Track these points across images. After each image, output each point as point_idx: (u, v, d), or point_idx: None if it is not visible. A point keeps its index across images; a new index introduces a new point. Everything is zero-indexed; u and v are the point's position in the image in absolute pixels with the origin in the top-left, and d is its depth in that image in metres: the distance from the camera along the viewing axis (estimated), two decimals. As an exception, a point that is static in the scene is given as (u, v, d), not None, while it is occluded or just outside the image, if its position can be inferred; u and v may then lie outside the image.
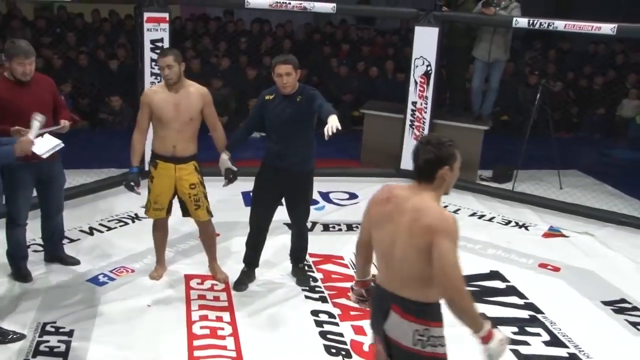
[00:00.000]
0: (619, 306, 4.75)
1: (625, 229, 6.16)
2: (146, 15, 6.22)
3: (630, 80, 9.80)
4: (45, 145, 3.88)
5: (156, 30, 6.27)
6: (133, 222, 5.60)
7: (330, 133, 3.84)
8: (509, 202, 6.77)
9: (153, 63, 6.28)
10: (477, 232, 5.91)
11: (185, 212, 4.58)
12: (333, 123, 3.86)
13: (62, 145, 3.98)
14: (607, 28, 6.05)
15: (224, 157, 4.50)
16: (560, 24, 6.33)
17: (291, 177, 4.44)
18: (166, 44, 6.26)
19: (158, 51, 4.44)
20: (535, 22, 6.39)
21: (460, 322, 2.54)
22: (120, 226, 5.58)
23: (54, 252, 4.81)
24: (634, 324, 4.51)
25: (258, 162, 4.64)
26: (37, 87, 4.26)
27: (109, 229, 5.53)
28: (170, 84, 4.31)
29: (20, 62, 4.09)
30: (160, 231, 4.65)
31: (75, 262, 4.82)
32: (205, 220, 4.56)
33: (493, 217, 6.36)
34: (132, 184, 4.41)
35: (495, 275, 5.11)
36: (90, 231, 5.46)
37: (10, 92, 4.11)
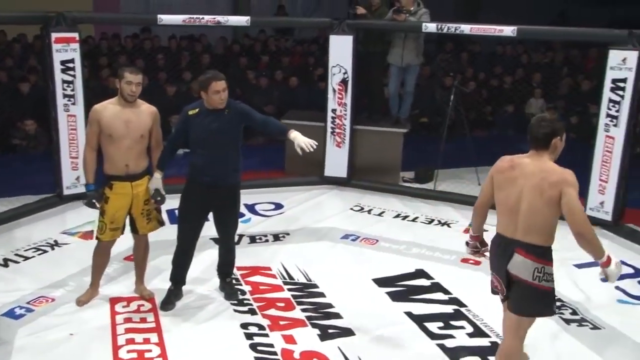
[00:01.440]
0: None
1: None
2: (54, 35, 6.04)
3: (535, 79, 10.24)
4: None
5: (66, 50, 6.09)
6: (52, 249, 5.40)
7: (309, 150, 4.10)
8: (431, 201, 6.89)
9: (65, 84, 6.12)
10: (402, 233, 6.00)
11: (133, 229, 4.53)
12: (306, 141, 4.13)
13: None
14: (509, 30, 6.30)
15: (157, 176, 4.43)
16: (466, 28, 6.55)
17: (219, 192, 4.39)
18: (77, 65, 6.10)
19: (128, 68, 4.33)
20: (443, 26, 6.58)
21: (586, 251, 3.25)
22: (39, 254, 5.34)
23: None
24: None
25: (182, 179, 4.56)
26: None
27: (26, 258, 5.27)
28: (131, 101, 4.26)
29: None
30: (105, 254, 4.55)
31: None
32: (146, 233, 4.55)
33: (416, 217, 6.46)
34: (93, 201, 4.32)
35: (420, 273, 5.19)
36: (5, 262, 5.18)
37: None
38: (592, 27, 6.92)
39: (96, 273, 4.59)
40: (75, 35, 6.15)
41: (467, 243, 3.80)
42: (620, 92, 5.84)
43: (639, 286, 5.06)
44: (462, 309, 4.62)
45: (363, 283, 4.98)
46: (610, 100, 5.90)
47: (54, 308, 4.50)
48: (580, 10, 14.95)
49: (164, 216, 5.92)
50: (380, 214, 6.53)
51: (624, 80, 5.81)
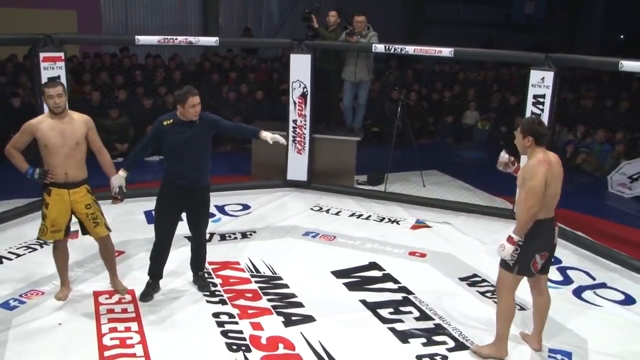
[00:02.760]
0: (472, 280, 5.02)
1: (474, 216, 6.51)
2: (42, 55, 5.91)
3: (470, 94, 10.45)
4: None
5: (52, 68, 5.95)
6: (42, 247, 5.27)
7: (281, 142, 4.38)
8: (382, 201, 6.94)
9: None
10: (356, 230, 6.04)
11: (84, 231, 4.40)
12: (278, 138, 4.36)
13: None
14: (447, 51, 6.41)
15: (122, 174, 4.35)
16: (410, 48, 6.64)
17: (191, 194, 4.38)
18: (63, 81, 5.92)
19: (47, 83, 4.22)
20: (390, 47, 6.66)
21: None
22: (29, 252, 5.24)
23: None
24: (482, 293, 4.80)
25: (157, 183, 4.53)
26: None
27: (18, 255, 5.18)
28: (58, 112, 4.14)
29: None
30: (61, 253, 4.42)
31: None
32: (105, 235, 4.40)
33: (369, 216, 6.51)
34: (42, 176, 4.14)
35: (373, 265, 5.24)
36: (0, 259, 5.10)
37: None
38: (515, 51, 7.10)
39: (61, 271, 4.48)
40: (61, 54, 6.02)
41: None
42: (540, 106, 6.01)
43: (557, 272, 5.21)
44: (410, 296, 4.69)
45: (322, 275, 5.01)
46: (533, 113, 6.04)
47: (44, 300, 4.43)
48: (505, 36, 15.50)
49: (143, 217, 5.99)
50: (337, 213, 6.56)
51: (543, 96, 5.98)
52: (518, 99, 9.60)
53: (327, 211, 6.62)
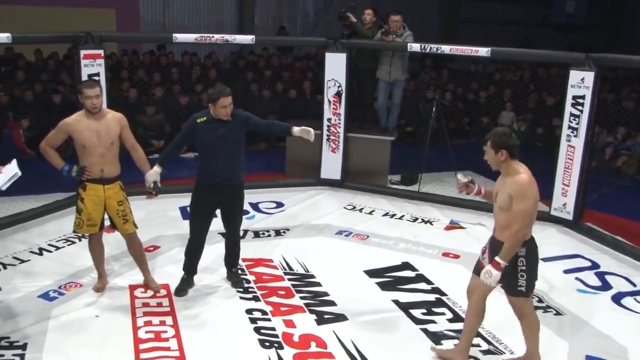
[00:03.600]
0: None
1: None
2: (82, 52, 6.04)
3: (505, 95, 10.28)
4: (3, 177, 3.65)
5: (92, 65, 6.09)
6: (80, 240, 5.39)
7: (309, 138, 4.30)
8: (415, 201, 6.90)
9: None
10: (389, 230, 6.01)
11: (114, 226, 4.48)
12: (308, 132, 4.30)
13: (20, 174, 3.70)
14: (483, 51, 6.33)
15: (157, 169, 4.40)
16: (446, 48, 6.58)
17: (225, 192, 4.41)
18: (102, 78, 6.09)
19: (85, 83, 4.28)
20: (426, 46, 6.61)
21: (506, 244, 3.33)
22: (68, 245, 5.37)
23: None
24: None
25: (192, 180, 4.58)
26: None
27: (58, 248, 5.32)
28: (95, 112, 4.21)
29: None
30: (96, 246, 4.52)
31: None
32: (132, 232, 4.46)
33: (403, 216, 6.47)
34: (79, 172, 4.19)
35: (406, 266, 5.21)
36: (40, 251, 5.24)
37: None
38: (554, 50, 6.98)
39: (97, 262, 4.57)
40: (101, 52, 6.15)
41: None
42: (580, 107, 5.89)
43: (595, 277, 5.11)
44: (443, 298, 4.65)
45: (355, 274, 5.01)
46: (571, 114, 5.94)
47: (82, 292, 4.54)
48: (542, 36, 15.17)
49: (177, 213, 6.07)
50: (370, 213, 6.55)
51: (582, 97, 5.86)
52: (556, 100, 9.41)
53: (361, 210, 6.60)
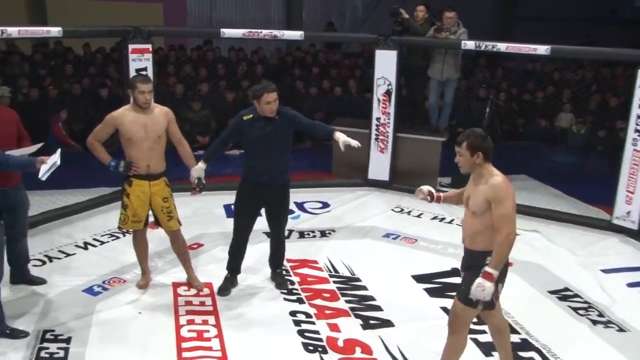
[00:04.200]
0: (563, 294, 4.80)
1: (566, 226, 6.23)
2: (131, 46, 6.17)
3: (565, 95, 10.00)
4: (45, 167, 3.73)
5: (140, 60, 6.21)
6: (124, 235, 5.51)
7: (355, 146, 4.14)
8: (465, 205, 6.80)
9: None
10: (439, 234, 5.94)
11: (157, 223, 4.53)
12: (349, 141, 4.14)
13: (59, 164, 3.76)
14: (542, 49, 6.17)
15: (202, 166, 4.43)
16: (502, 46, 6.43)
17: (270, 190, 4.42)
18: (150, 73, 6.19)
19: (139, 78, 4.30)
20: (481, 44, 6.49)
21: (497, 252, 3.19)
22: (112, 240, 5.50)
23: (21, 274, 4.57)
24: (575, 309, 4.57)
25: (237, 177, 4.61)
26: (1, 119, 4.16)
27: (102, 242, 5.45)
28: (146, 108, 4.27)
29: None
30: (140, 243, 4.58)
31: (42, 281, 4.63)
32: (176, 229, 4.51)
33: (452, 220, 6.37)
34: (127, 167, 4.26)
35: (455, 272, 5.03)
36: (85, 245, 5.38)
37: None
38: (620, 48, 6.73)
39: (141, 259, 4.64)
40: (149, 46, 6.27)
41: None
42: (649, 109, 5.67)
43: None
44: (495, 306, 4.54)
45: (402, 279, 4.96)
46: (638, 117, 5.72)
47: (126, 288, 4.63)
48: (605, 32, 14.60)
49: (222, 211, 6.12)
50: (419, 216, 6.48)
51: (651, 97, 5.64)
52: (620, 101, 9.10)
53: (409, 213, 6.54)
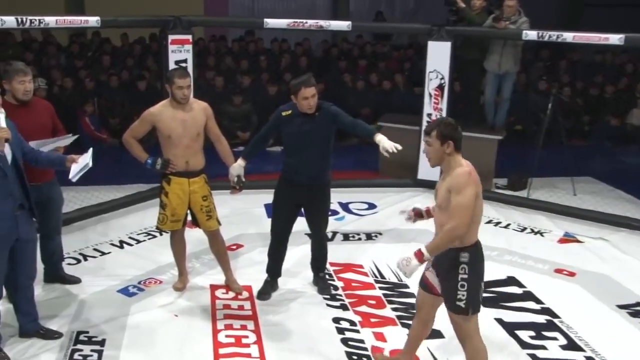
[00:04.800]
0: (635, 309, 4.64)
1: (638, 234, 6.04)
2: (170, 37, 6.27)
3: (639, 90, 9.65)
4: (76, 167, 3.80)
5: (180, 51, 6.31)
6: (161, 234, 5.59)
7: (393, 151, 3.98)
8: (524, 209, 6.67)
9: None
10: (494, 239, 5.82)
11: (195, 222, 4.57)
12: (390, 144, 3.99)
13: (90, 165, 3.83)
14: (615, 38, 5.98)
15: (241, 163, 4.46)
16: (569, 36, 6.27)
17: (309, 190, 4.42)
18: (189, 65, 6.29)
19: (177, 72, 4.34)
20: (544, 34, 6.34)
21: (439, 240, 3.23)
22: (149, 239, 5.61)
23: (55, 273, 4.68)
24: (649, 328, 4.42)
25: (279, 175, 4.62)
26: (36, 111, 4.25)
27: (139, 241, 5.56)
28: (184, 103, 4.31)
29: (21, 80, 4.08)
30: (178, 243, 4.64)
31: (77, 281, 4.74)
32: (216, 229, 4.55)
33: (509, 224, 6.28)
34: (163, 165, 4.30)
35: (511, 281, 5.03)
36: (121, 244, 5.50)
37: (10, 115, 3.93)
38: None
39: (178, 259, 4.70)
40: (189, 37, 6.36)
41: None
42: None
43: None
44: (555, 320, 4.43)
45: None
46: None
47: (162, 289, 4.71)
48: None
49: (262, 210, 6.16)
50: (472, 219, 6.39)
51: None
52: None
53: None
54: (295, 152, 4.36)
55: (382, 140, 4.09)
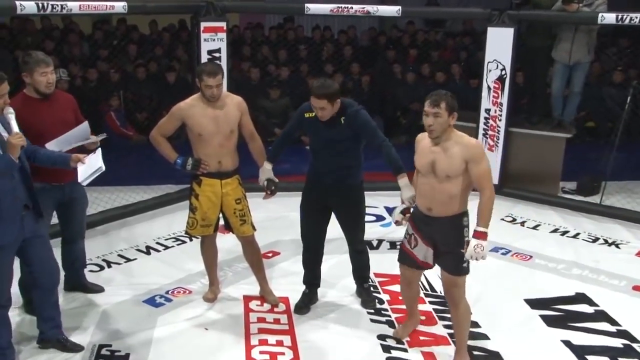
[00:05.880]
0: None
1: None
2: (203, 25, 6.34)
3: None
4: (87, 170, 3.84)
5: (213, 40, 6.38)
6: (191, 240, 5.68)
7: (408, 205, 4.04)
8: (596, 217, 6.59)
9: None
10: (561, 251, 5.77)
11: (228, 227, 4.59)
12: (408, 197, 4.02)
13: (104, 169, 3.88)
14: None
15: (267, 167, 4.48)
16: (653, 18, 6.11)
17: (336, 193, 4.41)
18: (223, 55, 6.36)
19: (206, 69, 4.29)
20: (624, 17, 6.18)
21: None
22: (178, 245, 5.69)
23: (76, 280, 4.75)
24: None
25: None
26: (59, 105, 4.32)
27: (166, 247, 5.65)
28: (214, 102, 4.32)
29: (43, 71, 4.15)
30: (209, 249, 4.68)
31: (100, 289, 4.81)
32: (250, 235, 4.57)
33: (578, 234, 6.19)
34: (195, 165, 4.33)
35: (581, 298, 4.94)
36: (147, 250, 5.60)
37: (32, 110, 4.08)
38: None
39: (209, 268, 4.74)
40: (223, 24, 6.42)
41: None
42: None
43: None
44: (635, 345, 4.33)
45: (514, 302, 4.83)
46: None
47: (191, 300, 4.76)
48: None
49: (299, 214, 6.16)
50: (535, 227, 6.33)
51: None
52: None
53: (523, 224, 6.42)
54: (318, 154, 4.39)
55: (404, 188, 4.07)
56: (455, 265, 3.81)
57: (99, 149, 3.98)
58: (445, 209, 3.75)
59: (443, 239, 3.81)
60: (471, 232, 3.71)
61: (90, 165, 3.85)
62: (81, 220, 4.64)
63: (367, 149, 4.39)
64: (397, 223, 4.07)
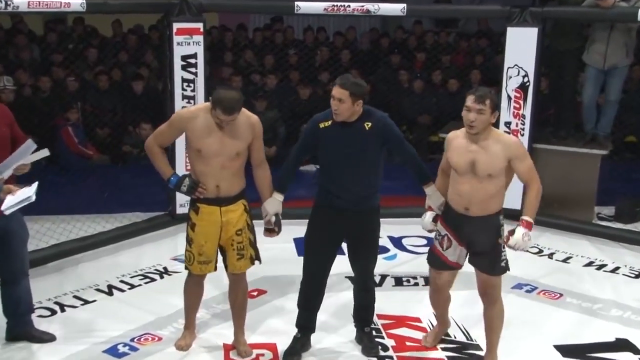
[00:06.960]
0: None
1: None
2: (176, 26, 6.36)
3: None
4: (14, 199, 3.82)
5: (188, 43, 6.42)
6: (161, 277, 5.68)
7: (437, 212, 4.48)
8: (638, 247, 6.63)
9: (185, 83, 6.43)
10: (597, 288, 5.79)
11: (223, 261, 4.54)
12: (439, 204, 4.44)
13: (33, 200, 3.84)
14: None
15: (279, 198, 4.45)
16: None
17: (354, 218, 4.42)
18: (200, 61, 6.39)
19: (223, 103, 4.11)
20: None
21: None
22: (146, 283, 5.67)
23: (21, 328, 4.63)
24: None
25: (312, 201, 4.63)
26: None
27: (132, 286, 5.62)
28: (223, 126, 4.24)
29: None
30: (196, 288, 4.63)
31: (50, 338, 4.71)
32: (242, 272, 4.55)
33: (617, 268, 6.22)
34: (190, 187, 4.28)
35: (623, 344, 4.94)
36: (109, 290, 5.56)
37: None
38: None
39: (189, 312, 4.70)
40: (200, 26, 6.46)
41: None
42: None
43: None
44: (686, 400, 4.36)
45: (541, 349, 4.83)
46: None
47: (161, 349, 4.71)
48: None
49: (292, 246, 6.18)
50: (565, 260, 6.37)
51: None
52: None
53: (550, 255, 6.46)
54: (334, 171, 4.38)
55: (433, 195, 4.46)
56: (493, 265, 4.27)
57: (37, 182, 3.92)
58: (484, 207, 4.19)
59: (479, 239, 4.25)
60: (506, 232, 4.20)
61: (18, 196, 3.84)
62: (22, 255, 4.51)
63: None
64: (430, 231, 4.48)
